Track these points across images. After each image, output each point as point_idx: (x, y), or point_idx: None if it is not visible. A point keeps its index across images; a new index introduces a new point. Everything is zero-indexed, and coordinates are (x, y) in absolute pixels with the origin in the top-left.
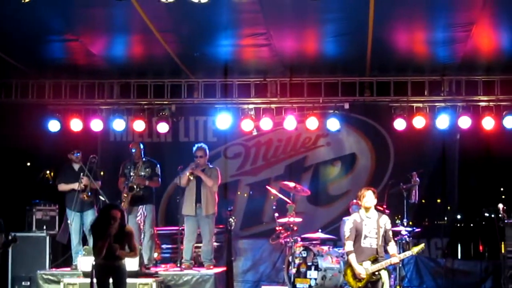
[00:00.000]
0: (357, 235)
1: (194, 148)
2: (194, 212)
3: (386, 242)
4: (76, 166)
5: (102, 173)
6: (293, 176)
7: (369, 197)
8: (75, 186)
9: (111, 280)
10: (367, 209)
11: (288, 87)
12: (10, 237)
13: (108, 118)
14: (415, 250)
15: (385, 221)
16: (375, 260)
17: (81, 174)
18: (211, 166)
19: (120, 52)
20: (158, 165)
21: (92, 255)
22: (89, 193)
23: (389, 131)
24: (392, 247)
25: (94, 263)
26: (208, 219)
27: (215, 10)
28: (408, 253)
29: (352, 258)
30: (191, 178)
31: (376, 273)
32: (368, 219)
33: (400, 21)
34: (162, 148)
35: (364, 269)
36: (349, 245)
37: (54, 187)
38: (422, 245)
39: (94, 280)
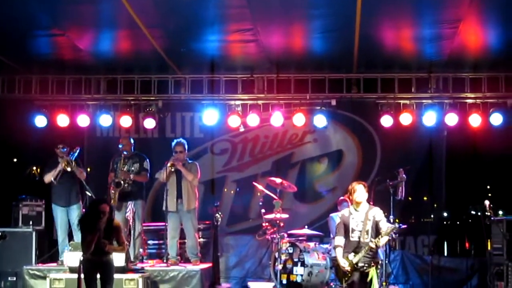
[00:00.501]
0: (346, 230)
1: (173, 143)
2: (175, 208)
3: (378, 234)
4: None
5: (88, 169)
6: (279, 172)
7: (360, 192)
8: (58, 167)
9: (98, 276)
10: (357, 203)
11: (275, 83)
12: None
13: (95, 114)
14: (388, 231)
15: (375, 213)
16: (357, 251)
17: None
18: (190, 161)
19: (107, 48)
20: (147, 160)
21: (80, 250)
22: (72, 159)
23: (376, 127)
24: (383, 239)
25: (82, 258)
26: (190, 214)
27: (202, 5)
28: (382, 238)
29: (338, 252)
30: (172, 169)
31: (361, 264)
32: (356, 213)
33: (387, 17)
34: (148, 144)
35: (347, 261)
36: (336, 240)
37: (40, 183)
38: (394, 226)
39: (82, 276)
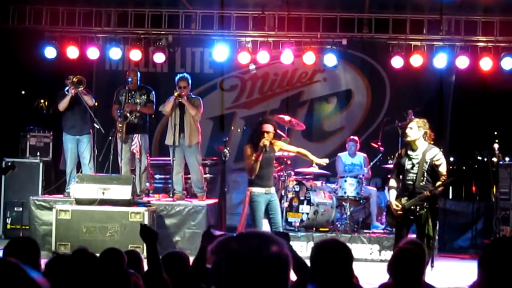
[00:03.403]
0: (401, 170)
1: (176, 78)
2: (178, 143)
3: (435, 177)
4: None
5: (96, 103)
6: (288, 110)
7: (411, 128)
8: (70, 91)
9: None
10: (409, 142)
11: (286, 21)
12: (8, 164)
13: (105, 47)
14: (446, 182)
15: (433, 154)
16: (411, 196)
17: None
18: (193, 96)
19: None
20: (153, 92)
21: (86, 182)
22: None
23: (386, 68)
24: (440, 188)
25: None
26: (191, 149)
27: None
28: (440, 188)
29: (391, 193)
30: (179, 99)
31: (414, 209)
32: (413, 152)
33: None
34: (158, 78)
35: (400, 205)
36: (390, 181)
37: (49, 115)
38: (452, 178)
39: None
